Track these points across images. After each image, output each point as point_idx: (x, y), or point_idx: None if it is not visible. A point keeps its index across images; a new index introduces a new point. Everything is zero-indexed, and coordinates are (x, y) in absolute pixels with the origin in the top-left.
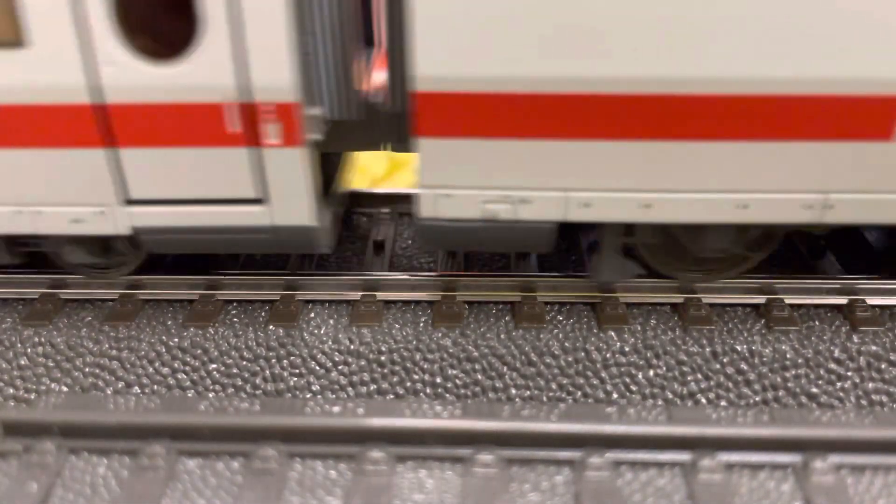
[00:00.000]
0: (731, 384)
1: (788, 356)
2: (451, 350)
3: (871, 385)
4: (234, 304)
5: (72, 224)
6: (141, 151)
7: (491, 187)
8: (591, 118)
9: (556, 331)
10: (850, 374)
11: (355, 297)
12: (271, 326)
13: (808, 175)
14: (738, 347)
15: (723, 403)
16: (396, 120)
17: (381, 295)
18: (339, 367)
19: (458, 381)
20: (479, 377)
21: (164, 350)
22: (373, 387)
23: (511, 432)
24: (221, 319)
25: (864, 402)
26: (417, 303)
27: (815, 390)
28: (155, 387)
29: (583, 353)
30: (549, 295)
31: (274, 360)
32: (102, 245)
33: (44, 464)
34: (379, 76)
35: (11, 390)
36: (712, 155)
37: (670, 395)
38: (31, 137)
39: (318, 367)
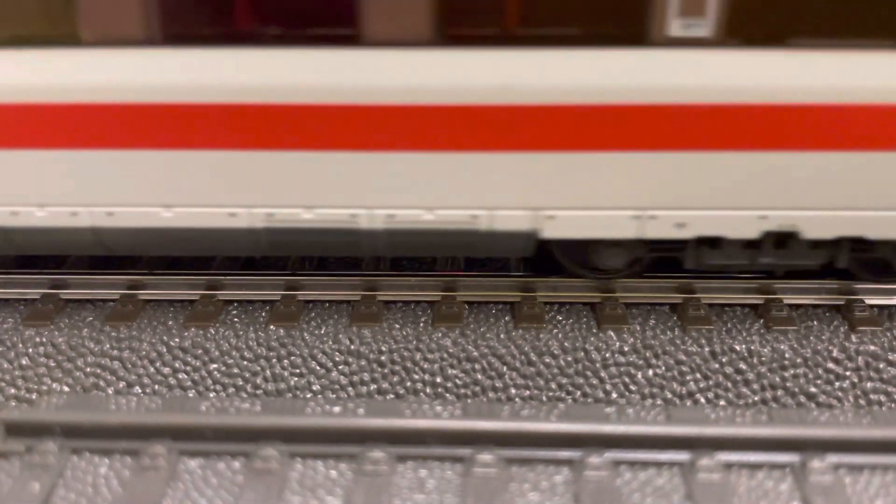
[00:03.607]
0: (729, 384)
1: (787, 356)
2: (450, 350)
3: (869, 385)
4: (235, 305)
5: None
6: None
7: None
8: None
9: (555, 331)
10: (848, 373)
11: (355, 298)
12: (272, 326)
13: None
14: (737, 347)
15: (721, 403)
16: None
17: (381, 295)
18: (340, 367)
19: (458, 381)
20: (479, 377)
21: (165, 350)
22: (373, 387)
23: (511, 432)
24: (222, 320)
25: (862, 402)
26: (417, 303)
27: (813, 390)
28: (156, 387)
29: (582, 353)
30: (548, 295)
31: (274, 360)
32: None
33: (46, 464)
34: None
35: (13, 390)
36: None
37: (669, 395)
38: None
39: (318, 367)
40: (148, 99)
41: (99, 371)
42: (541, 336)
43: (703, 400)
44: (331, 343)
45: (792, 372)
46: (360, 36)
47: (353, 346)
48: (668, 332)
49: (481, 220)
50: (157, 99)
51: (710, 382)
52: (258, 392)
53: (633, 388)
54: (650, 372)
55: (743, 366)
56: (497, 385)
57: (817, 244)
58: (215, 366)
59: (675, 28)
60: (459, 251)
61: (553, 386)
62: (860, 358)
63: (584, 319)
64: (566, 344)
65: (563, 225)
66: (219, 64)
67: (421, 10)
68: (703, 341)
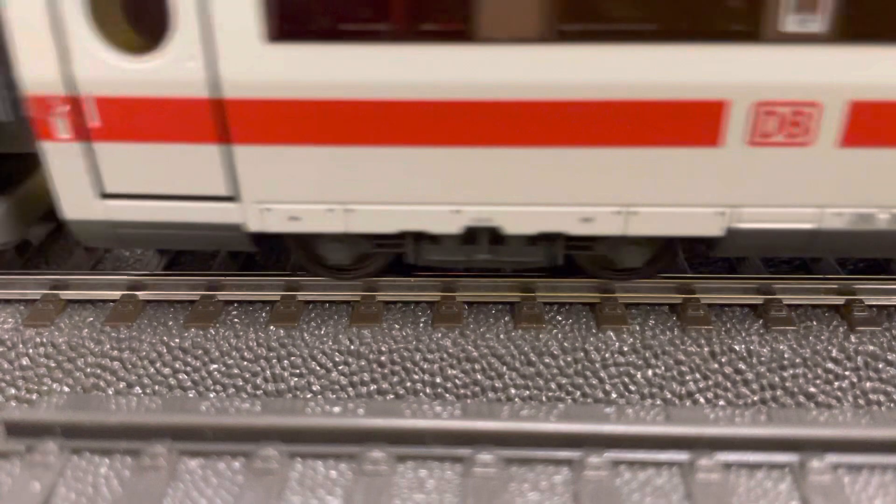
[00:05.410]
0: (729, 384)
1: (786, 356)
2: (450, 350)
3: (868, 385)
4: (235, 305)
5: None
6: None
7: None
8: None
9: (555, 331)
10: (847, 373)
11: (355, 298)
12: (272, 327)
13: None
14: (736, 347)
15: (721, 403)
16: None
17: (380, 296)
18: (340, 368)
19: (457, 381)
20: (479, 377)
21: (165, 350)
22: (373, 387)
23: (510, 432)
24: (222, 320)
25: (861, 402)
26: (417, 303)
27: (812, 390)
28: (156, 387)
29: (582, 354)
30: (548, 295)
31: (274, 361)
32: None
33: (46, 464)
34: None
35: (13, 391)
36: None
37: (669, 395)
38: None
39: (318, 368)
40: None
41: (99, 371)
42: (540, 336)
43: (702, 400)
44: (331, 343)
45: (791, 372)
46: None
47: (352, 347)
48: (668, 332)
49: None
50: None
51: (710, 382)
52: (258, 392)
53: (632, 388)
54: (650, 372)
55: (742, 366)
56: (497, 385)
57: (534, 241)
58: (215, 366)
59: None
60: None
61: (553, 386)
62: (859, 358)
63: (584, 319)
64: (566, 344)
65: None
66: None
67: None
68: (703, 341)
